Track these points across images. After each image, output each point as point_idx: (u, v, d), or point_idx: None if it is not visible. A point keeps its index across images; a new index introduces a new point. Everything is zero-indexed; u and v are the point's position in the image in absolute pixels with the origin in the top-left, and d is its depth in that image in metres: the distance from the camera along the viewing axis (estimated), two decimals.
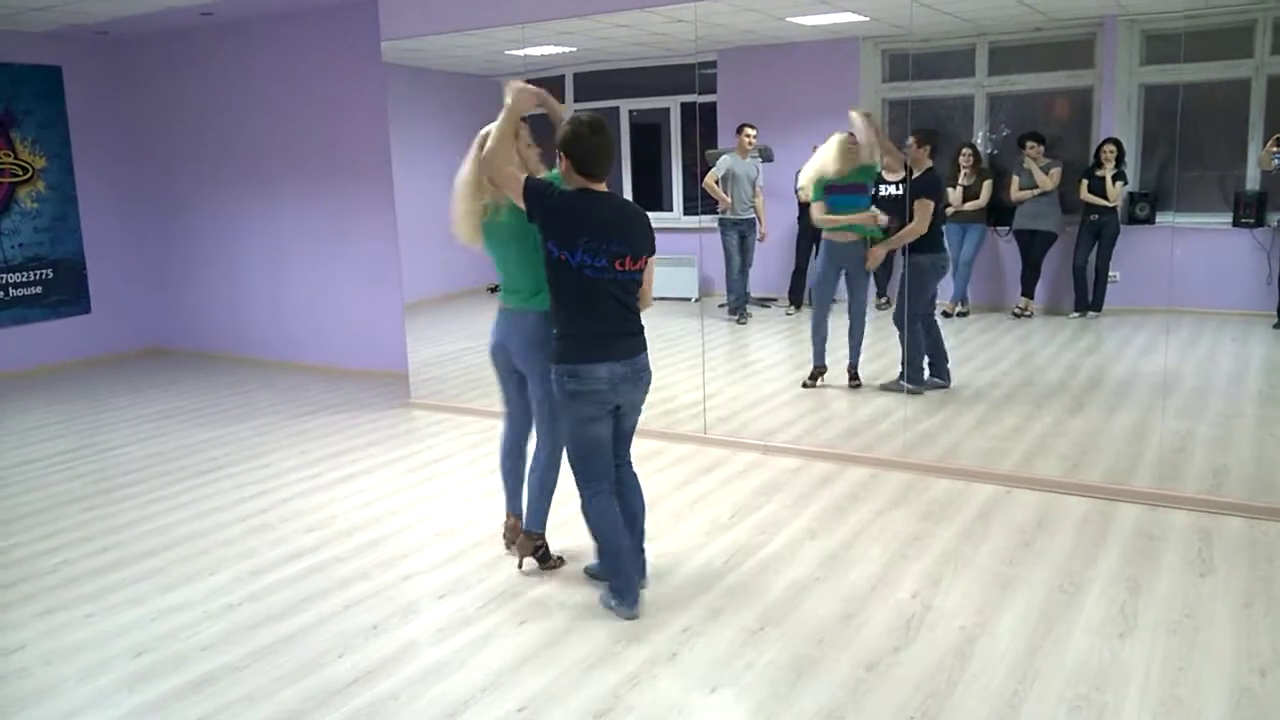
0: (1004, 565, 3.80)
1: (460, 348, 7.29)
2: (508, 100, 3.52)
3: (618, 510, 3.53)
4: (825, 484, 4.78)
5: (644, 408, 3.63)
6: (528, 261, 3.59)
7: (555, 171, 3.47)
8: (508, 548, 4.03)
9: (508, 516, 4.01)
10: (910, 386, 5.47)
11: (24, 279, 8.02)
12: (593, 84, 6.85)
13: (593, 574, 3.77)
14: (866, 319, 5.77)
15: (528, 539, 3.84)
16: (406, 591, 3.78)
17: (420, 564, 4.04)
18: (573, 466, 3.53)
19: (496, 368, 3.85)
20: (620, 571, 3.52)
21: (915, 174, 5.41)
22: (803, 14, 5.54)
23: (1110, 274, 5.52)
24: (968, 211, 5.82)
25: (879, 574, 3.76)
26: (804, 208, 6.17)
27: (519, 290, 3.67)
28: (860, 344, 5.80)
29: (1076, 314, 5.69)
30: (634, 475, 3.68)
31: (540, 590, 3.74)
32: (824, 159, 5.60)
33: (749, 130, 6.22)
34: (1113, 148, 5.35)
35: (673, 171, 6.79)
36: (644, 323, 3.50)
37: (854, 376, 5.85)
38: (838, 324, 5.81)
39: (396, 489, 4.99)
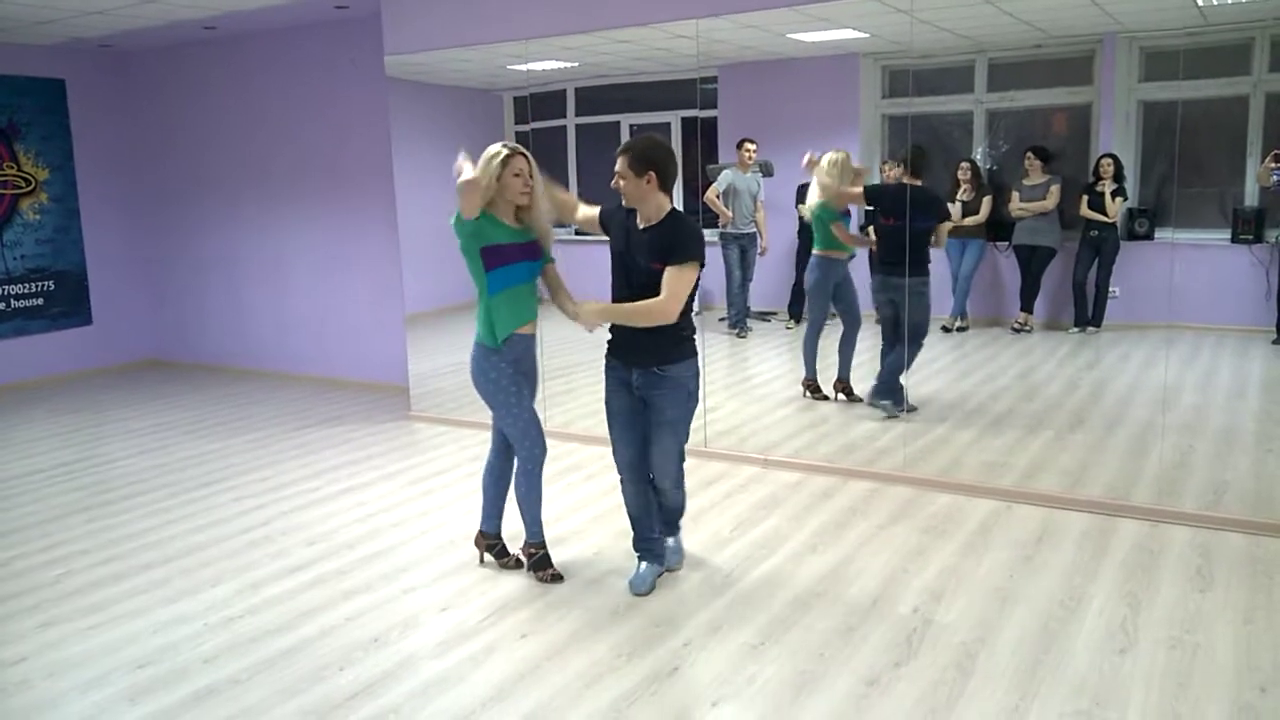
0: (1005, 580, 3.80)
1: (460, 360, 7.23)
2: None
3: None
4: (826, 498, 4.79)
5: None
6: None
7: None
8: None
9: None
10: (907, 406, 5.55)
11: (26, 290, 8.03)
12: (594, 98, 6.89)
13: None
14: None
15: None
16: (408, 604, 3.79)
17: (421, 577, 4.04)
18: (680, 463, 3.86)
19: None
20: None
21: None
22: (803, 30, 5.57)
23: (1110, 289, 5.53)
24: (967, 227, 5.84)
25: (880, 589, 3.77)
26: (804, 222, 6.19)
27: None
28: (851, 357, 5.86)
29: (1076, 329, 5.70)
30: None
31: (542, 603, 3.74)
32: (839, 179, 5.52)
33: (749, 145, 6.25)
34: (1110, 162, 5.38)
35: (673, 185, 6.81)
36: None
37: (848, 390, 5.88)
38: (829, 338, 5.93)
39: (397, 502, 4.99)
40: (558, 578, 3.95)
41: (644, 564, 3.86)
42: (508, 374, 3.81)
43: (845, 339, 5.86)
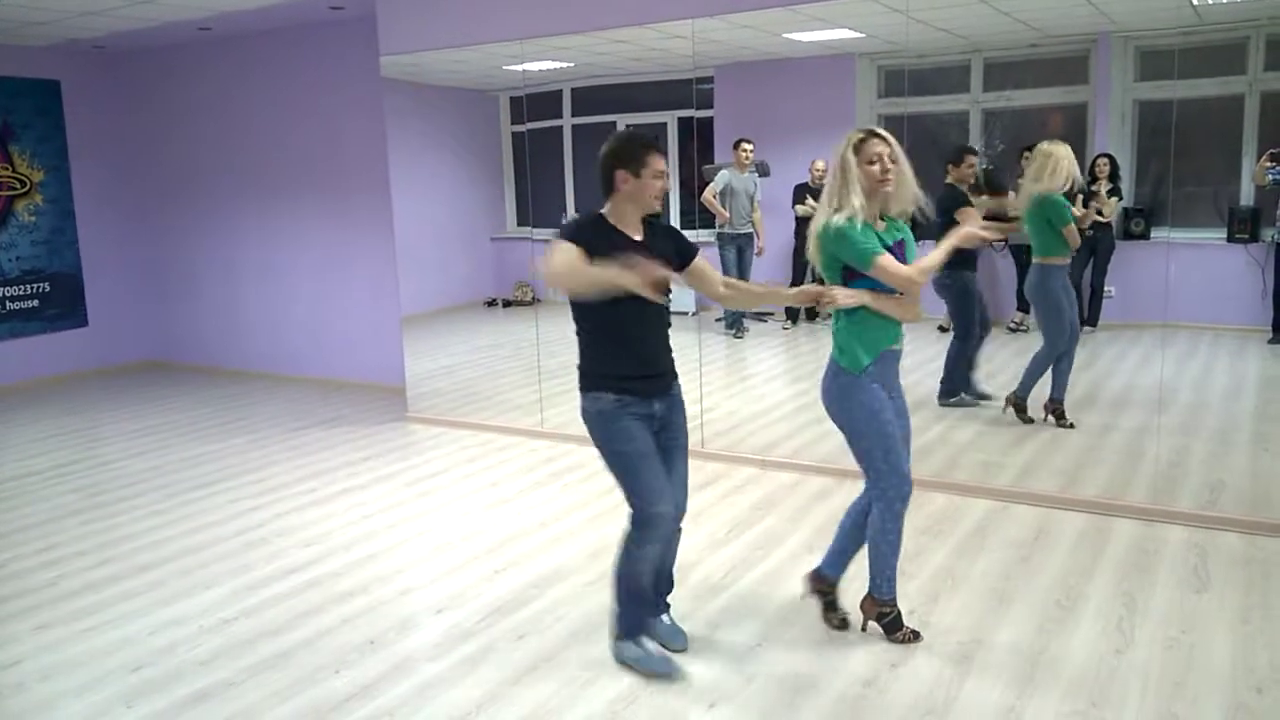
0: (1001, 580, 3.80)
1: (457, 361, 7.29)
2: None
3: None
4: (823, 499, 4.79)
5: None
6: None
7: None
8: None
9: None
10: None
11: (21, 292, 8.02)
12: (590, 99, 6.88)
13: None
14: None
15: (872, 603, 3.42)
16: (403, 606, 3.78)
17: (417, 579, 4.04)
18: None
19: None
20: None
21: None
22: (799, 30, 5.57)
23: (1106, 289, 5.54)
24: None
25: None
26: (800, 222, 6.19)
27: None
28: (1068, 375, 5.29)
29: None
30: None
31: (538, 606, 3.74)
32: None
33: (746, 145, 6.25)
34: (1105, 162, 5.38)
35: (670, 186, 6.81)
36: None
37: (1060, 415, 5.26)
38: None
39: (393, 503, 4.99)
40: (915, 636, 3.37)
41: (648, 641, 3.27)
42: (880, 398, 3.19)
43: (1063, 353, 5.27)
